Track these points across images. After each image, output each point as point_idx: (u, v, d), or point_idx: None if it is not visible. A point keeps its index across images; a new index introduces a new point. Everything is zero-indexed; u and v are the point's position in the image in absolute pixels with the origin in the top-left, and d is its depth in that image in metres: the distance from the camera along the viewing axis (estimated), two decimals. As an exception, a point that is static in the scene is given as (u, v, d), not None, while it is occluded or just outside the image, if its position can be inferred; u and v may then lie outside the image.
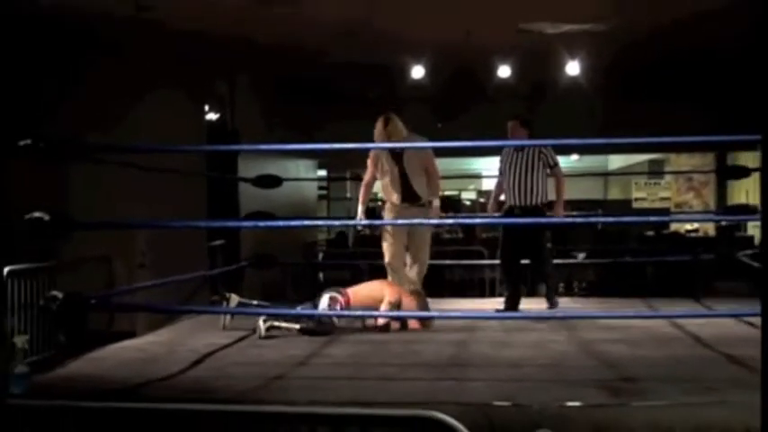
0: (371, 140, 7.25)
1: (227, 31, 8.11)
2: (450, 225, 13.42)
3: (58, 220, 4.85)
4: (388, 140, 7.12)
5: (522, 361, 5.71)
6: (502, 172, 7.97)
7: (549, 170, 7.76)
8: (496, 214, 8.22)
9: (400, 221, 7.30)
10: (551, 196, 7.84)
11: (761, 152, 3.03)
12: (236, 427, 3.17)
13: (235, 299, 7.23)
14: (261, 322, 6.75)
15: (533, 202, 7.68)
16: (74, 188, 7.16)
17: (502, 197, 8.06)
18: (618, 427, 4.27)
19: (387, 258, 7.42)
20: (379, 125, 7.24)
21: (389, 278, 7.40)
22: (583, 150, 16.76)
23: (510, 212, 7.83)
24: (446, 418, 2.79)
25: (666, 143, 11.60)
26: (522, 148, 7.78)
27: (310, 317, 6.75)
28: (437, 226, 10.59)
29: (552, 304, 7.86)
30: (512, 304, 7.79)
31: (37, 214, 4.74)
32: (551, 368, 5.51)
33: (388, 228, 7.40)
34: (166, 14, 7.13)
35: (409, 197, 7.31)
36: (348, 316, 7.02)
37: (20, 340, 5.33)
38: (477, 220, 13.32)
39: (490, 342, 6.45)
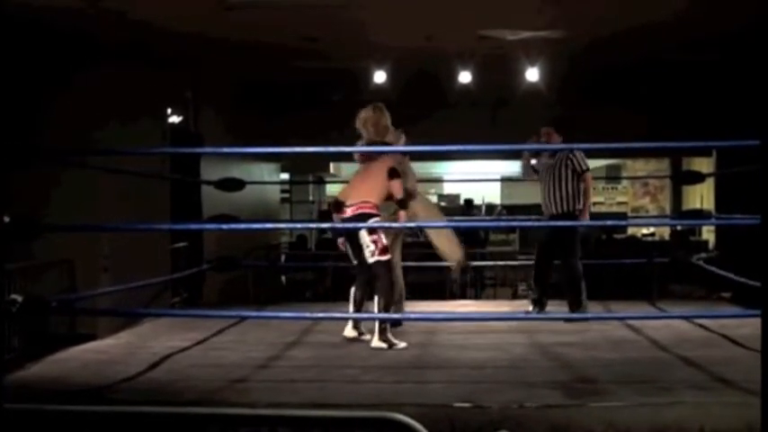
0: (334, 144, 7.17)
1: (189, 32, 8.06)
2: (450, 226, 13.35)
3: (19, 223, 4.78)
4: (377, 135, 6.84)
5: (482, 363, 5.73)
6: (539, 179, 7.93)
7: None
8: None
9: (398, 224, 6.88)
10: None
11: (760, 156, 3.02)
12: (197, 429, 3.14)
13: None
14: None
15: (563, 209, 7.58)
16: (37, 191, 7.07)
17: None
18: (575, 427, 4.30)
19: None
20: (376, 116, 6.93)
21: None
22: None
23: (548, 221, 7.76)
24: (407, 420, 2.79)
25: (623, 149, 11.71)
26: (553, 154, 7.73)
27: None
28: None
29: (576, 308, 7.59)
30: (539, 309, 7.72)
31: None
32: (511, 370, 5.54)
33: None
34: (125, 7, 7.05)
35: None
36: (367, 318, 6.79)
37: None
38: (482, 224, 13.42)
39: (451, 344, 6.47)
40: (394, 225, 6.64)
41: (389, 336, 6.41)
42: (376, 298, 6.52)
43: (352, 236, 6.58)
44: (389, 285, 6.55)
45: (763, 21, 4.04)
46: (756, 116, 2.94)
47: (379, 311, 6.48)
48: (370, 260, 6.49)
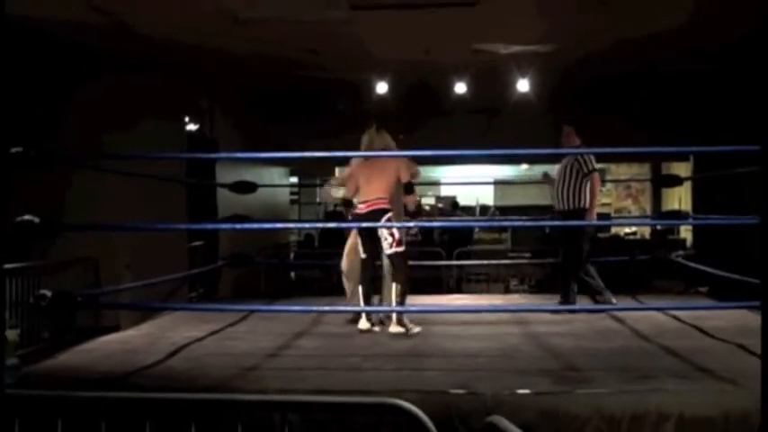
0: (340, 149, 7.17)
1: (205, 45, 8.07)
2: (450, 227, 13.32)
3: (47, 223, 4.80)
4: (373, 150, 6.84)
5: (476, 352, 5.72)
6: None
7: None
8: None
9: (400, 224, 6.87)
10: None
11: (760, 160, 2.99)
12: (212, 414, 3.14)
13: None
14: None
15: (570, 206, 7.50)
16: (66, 193, 7.09)
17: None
18: (564, 413, 4.30)
19: (362, 255, 6.86)
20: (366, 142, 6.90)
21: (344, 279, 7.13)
22: (532, 160, 16.84)
23: (554, 218, 7.77)
24: (408, 405, 2.78)
25: (607, 153, 11.67)
26: (564, 155, 7.70)
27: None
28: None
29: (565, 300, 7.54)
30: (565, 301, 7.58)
31: (27, 217, 4.68)
32: (503, 359, 5.53)
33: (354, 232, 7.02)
34: (139, 22, 7.07)
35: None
36: (378, 311, 6.85)
37: (11, 334, 5.26)
38: (477, 223, 13.43)
39: (447, 335, 6.46)
40: (396, 225, 6.64)
41: (406, 321, 6.51)
42: (393, 286, 6.57)
43: (370, 229, 6.64)
44: (406, 274, 6.66)
45: (755, 33, 4.04)
46: (756, 122, 2.91)
47: (398, 298, 6.53)
48: (388, 251, 6.58)
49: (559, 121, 7.90)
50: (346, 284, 7.15)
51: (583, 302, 7.69)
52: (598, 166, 7.76)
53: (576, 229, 7.53)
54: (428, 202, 17.47)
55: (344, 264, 7.13)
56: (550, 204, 8.08)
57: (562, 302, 7.56)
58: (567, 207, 7.52)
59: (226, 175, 9.32)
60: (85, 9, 6.64)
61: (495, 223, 14.95)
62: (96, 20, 6.87)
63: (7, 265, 5.65)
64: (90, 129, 7.17)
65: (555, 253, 10.89)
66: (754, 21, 4.10)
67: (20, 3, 6.47)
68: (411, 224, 7.40)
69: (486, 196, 18.28)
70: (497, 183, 17.18)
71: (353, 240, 7.01)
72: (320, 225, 6.52)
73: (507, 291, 11.10)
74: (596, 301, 7.59)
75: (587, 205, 7.50)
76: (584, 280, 7.63)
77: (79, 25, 6.94)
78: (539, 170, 18.33)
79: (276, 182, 13.34)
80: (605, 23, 7.58)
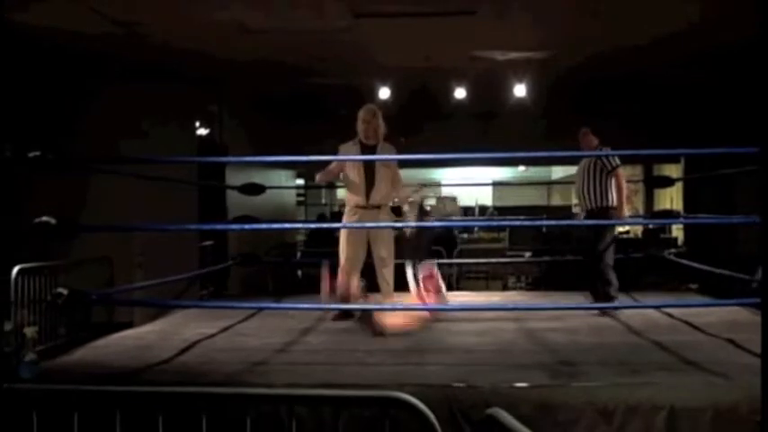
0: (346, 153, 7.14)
1: (214, 53, 8.10)
2: (458, 226, 13.29)
3: (64, 224, 4.81)
4: (368, 133, 6.61)
5: (475, 347, 5.72)
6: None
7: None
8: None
9: (398, 224, 6.94)
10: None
11: (760, 161, 2.98)
12: (222, 407, 3.15)
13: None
14: None
15: (595, 205, 7.19)
16: (85, 196, 7.13)
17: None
18: (560, 405, 4.30)
19: (342, 258, 6.71)
20: (366, 117, 6.64)
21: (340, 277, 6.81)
22: (529, 162, 16.86)
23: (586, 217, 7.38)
24: (409, 398, 2.78)
25: (602, 156, 11.67)
26: (581, 157, 7.44)
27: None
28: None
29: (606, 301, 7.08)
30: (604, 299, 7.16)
31: (44, 218, 4.69)
32: (501, 353, 5.52)
33: (345, 231, 6.80)
34: (154, 33, 7.11)
35: (371, 200, 6.62)
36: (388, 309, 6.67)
37: (29, 331, 5.28)
38: (477, 223, 13.42)
39: (447, 330, 6.45)
40: (396, 225, 6.65)
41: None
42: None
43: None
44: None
45: (747, 40, 4.05)
46: (755, 125, 2.91)
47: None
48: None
49: (552, 124, 7.85)
50: (341, 276, 6.80)
51: (577, 300, 7.69)
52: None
53: (602, 228, 7.19)
54: (429, 202, 17.50)
55: (343, 256, 6.78)
56: (546, 205, 8.05)
57: (598, 300, 7.20)
58: (593, 206, 7.24)
59: (235, 177, 9.33)
60: (104, 21, 6.68)
61: (495, 223, 14.98)
62: (114, 31, 6.91)
63: (25, 265, 5.68)
64: (106, 134, 7.21)
65: (553, 251, 10.93)
66: (746, 29, 4.11)
67: (41, 15, 6.54)
68: (412, 224, 7.38)
69: (485, 197, 18.32)
70: (495, 184, 17.20)
71: (346, 233, 6.78)
72: (325, 226, 6.49)
73: (505, 288, 11.10)
74: (596, 299, 7.28)
75: (614, 203, 7.20)
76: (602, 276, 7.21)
77: (97, 36, 6.98)
78: (535, 171, 18.51)
79: (283, 184, 13.36)
80: (598, 32, 7.60)
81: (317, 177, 6.79)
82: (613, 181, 7.20)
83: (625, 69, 9.61)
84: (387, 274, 6.77)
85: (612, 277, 7.14)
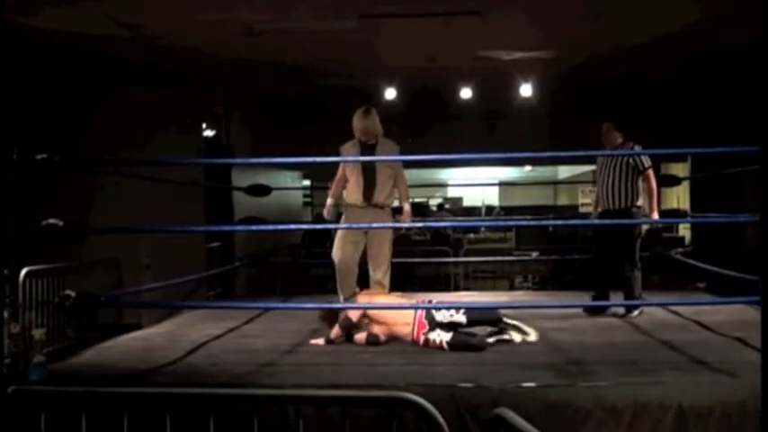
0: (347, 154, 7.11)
1: (220, 55, 8.12)
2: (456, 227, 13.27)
3: (71, 226, 4.82)
4: (366, 132, 6.49)
5: (482, 347, 5.71)
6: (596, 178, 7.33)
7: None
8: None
9: (408, 224, 6.81)
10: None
11: (760, 161, 2.96)
12: (230, 408, 3.15)
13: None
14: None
15: (620, 205, 6.91)
16: (94, 197, 7.14)
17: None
18: (567, 405, 4.29)
19: (336, 259, 6.49)
20: (360, 117, 6.52)
21: (337, 277, 6.58)
22: (535, 162, 16.85)
23: (603, 216, 7.06)
24: (417, 399, 2.77)
25: (608, 155, 11.65)
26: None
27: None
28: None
29: (628, 310, 6.91)
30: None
31: (52, 221, 4.70)
32: (508, 353, 5.50)
33: (341, 231, 6.54)
34: (161, 35, 7.13)
35: (372, 200, 6.44)
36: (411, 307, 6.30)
37: (38, 333, 5.28)
38: (483, 223, 13.41)
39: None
40: (398, 225, 6.62)
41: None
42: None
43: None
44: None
45: (748, 41, 4.03)
46: (755, 124, 2.89)
47: None
48: None
49: (558, 124, 7.81)
50: (339, 275, 6.58)
51: (584, 299, 7.67)
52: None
53: (630, 229, 6.96)
54: (435, 203, 17.52)
55: (337, 256, 6.55)
56: (552, 204, 8.02)
57: (626, 314, 6.97)
58: (618, 206, 6.92)
59: (241, 178, 9.34)
60: (111, 24, 6.70)
61: (501, 223, 14.96)
62: (121, 34, 6.93)
63: (33, 267, 5.68)
64: (114, 136, 7.22)
65: (560, 251, 10.89)
66: (746, 29, 4.09)
67: (49, 18, 6.56)
68: (419, 224, 7.37)
69: (492, 197, 18.31)
70: (502, 184, 17.20)
71: (342, 232, 6.56)
72: (332, 226, 6.44)
73: (512, 288, 11.09)
74: (627, 312, 6.98)
75: (639, 203, 6.95)
76: (626, 277, 7.08)
77: (105, 39, 7.00)
78: (541, 171, 18.49)
79: (289, 185, 13.37)
80: (602, 32, 7.58)
81: (330, 193, 6.69)
82: (641, 181, 6.94)
83: (630, 68, 9.59)
84: (377, 275, 6.49)
85: (639, 276, 6.99)
